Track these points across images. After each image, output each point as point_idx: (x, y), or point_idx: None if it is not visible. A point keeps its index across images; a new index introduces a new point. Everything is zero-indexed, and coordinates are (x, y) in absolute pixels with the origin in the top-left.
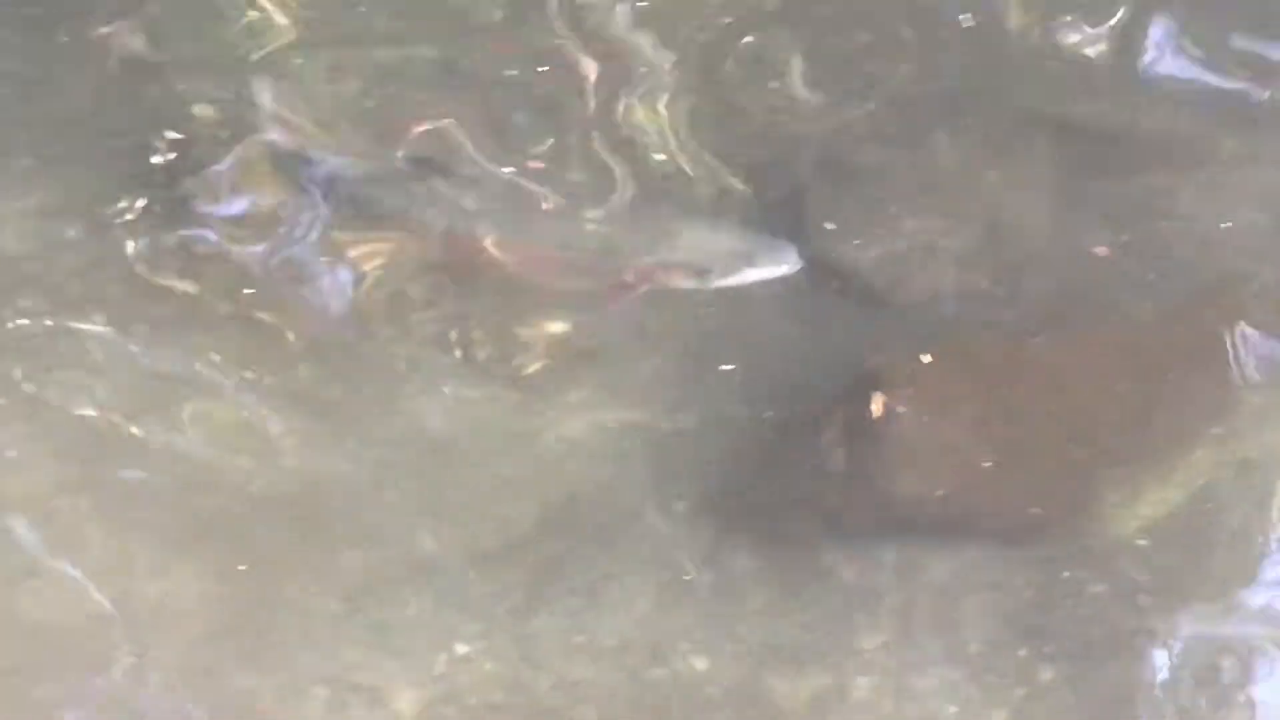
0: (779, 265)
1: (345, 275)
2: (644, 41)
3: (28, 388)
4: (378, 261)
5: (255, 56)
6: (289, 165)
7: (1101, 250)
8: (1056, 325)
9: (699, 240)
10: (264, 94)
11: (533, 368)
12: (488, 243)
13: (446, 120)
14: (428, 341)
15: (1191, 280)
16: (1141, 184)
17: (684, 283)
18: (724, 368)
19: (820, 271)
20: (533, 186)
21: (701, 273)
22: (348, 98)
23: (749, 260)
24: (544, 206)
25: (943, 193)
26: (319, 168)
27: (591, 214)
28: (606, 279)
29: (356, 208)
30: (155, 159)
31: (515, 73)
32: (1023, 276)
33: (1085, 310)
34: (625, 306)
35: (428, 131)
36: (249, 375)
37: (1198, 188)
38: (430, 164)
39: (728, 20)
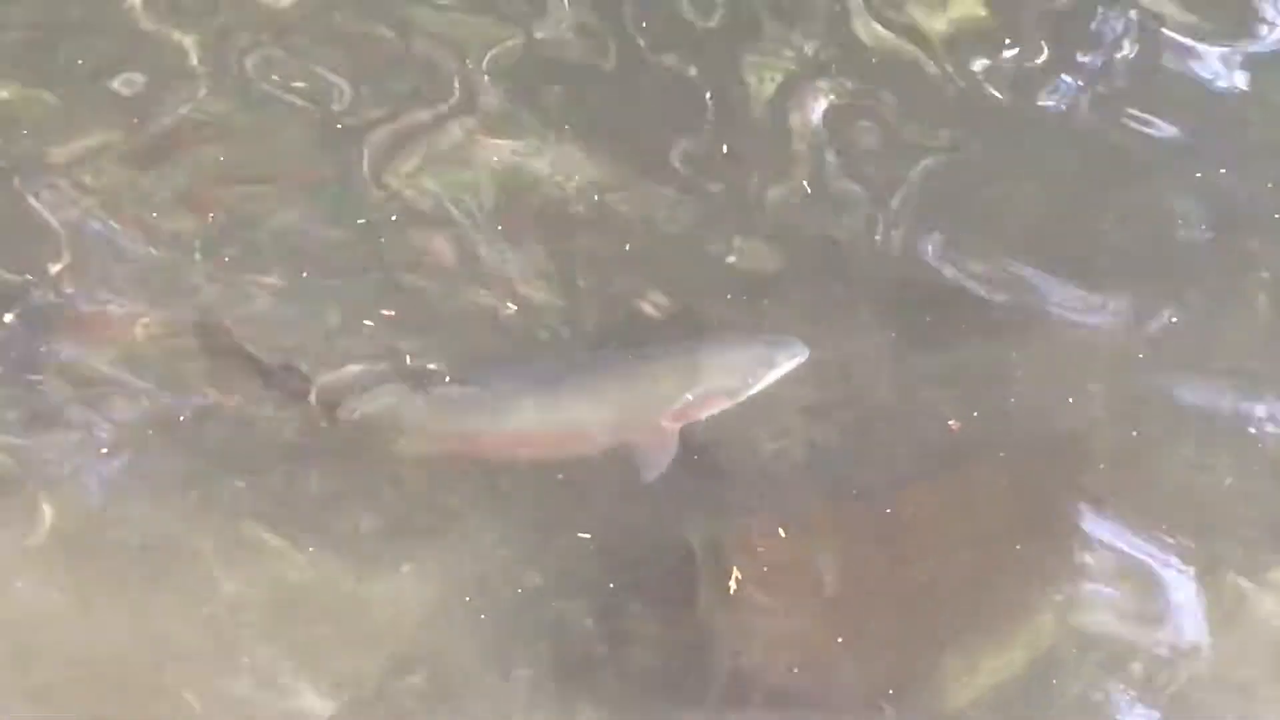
0: (793, 359)
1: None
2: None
3: None
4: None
5: None
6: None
7: (954, 424)
8: (899, 490)
9: (721, 362)
10: None
11: (375, 530)
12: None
13: None
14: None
15: (1035, 449)
16: (983, 350)
17: (718, 406)
18: (581, 535)
19: None
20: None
21: (732, 392)
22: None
23: (769, 364)
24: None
25: None
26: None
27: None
28: (643, 429)
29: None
30: None
31: None
32: (868, 441)
33: (928, 474)
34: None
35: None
36: (82, 536)
37: (1038, 353)
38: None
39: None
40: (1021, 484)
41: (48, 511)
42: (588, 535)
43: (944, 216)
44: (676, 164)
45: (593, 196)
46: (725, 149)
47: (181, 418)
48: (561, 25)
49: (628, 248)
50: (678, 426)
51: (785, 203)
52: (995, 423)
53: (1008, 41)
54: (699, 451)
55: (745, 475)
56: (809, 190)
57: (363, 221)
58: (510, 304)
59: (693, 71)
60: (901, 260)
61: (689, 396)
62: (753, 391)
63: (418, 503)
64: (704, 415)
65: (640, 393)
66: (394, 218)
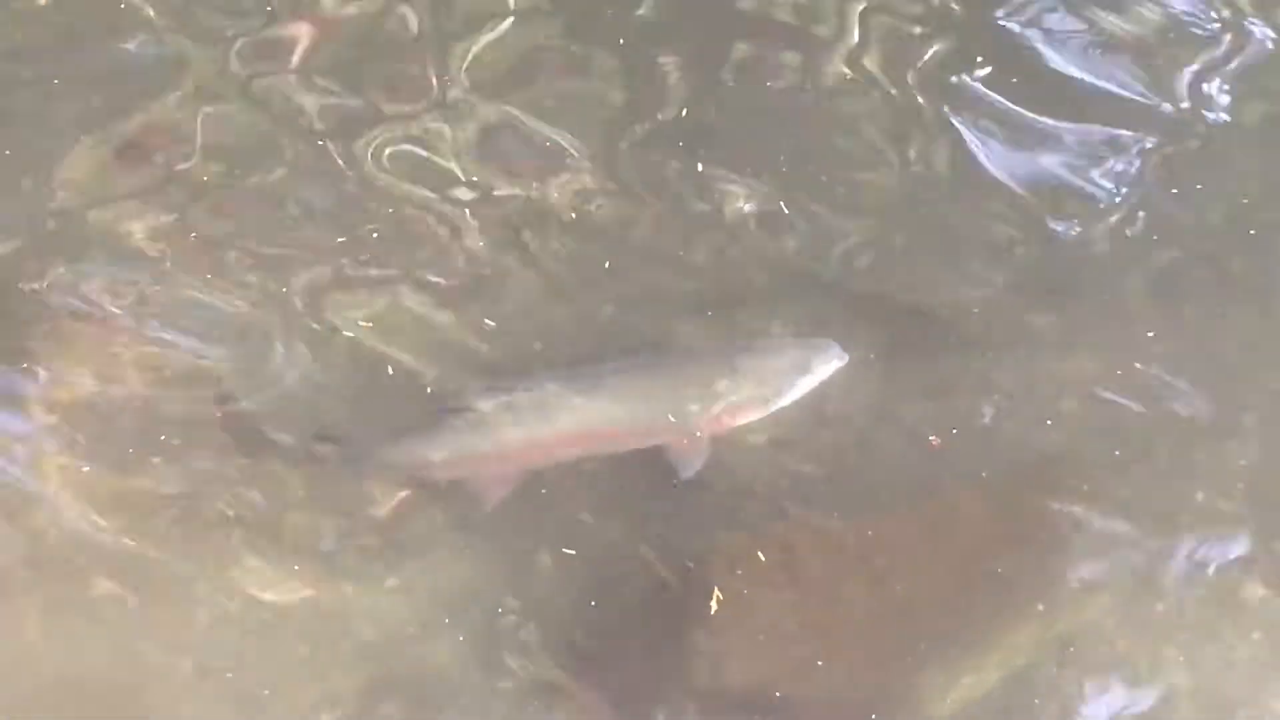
0: (830, 364)
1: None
2: None
3: None
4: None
5: None
6: None
7: (934, 440)
8: (878, 507)
9: (757, 369)
10: None
11: (355, 550)
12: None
13: None
14: (247, 528)
15: (1014, 463)
16: (963, 368)
17: (752, 415)
18: (566, 551)
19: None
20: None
21: (767, 400)
22: None
23: (805, 370)
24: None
25: None
26: None
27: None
28: (681, 430)
29: None
30: None
31: None
32: (848, 459)
33: (907, 493)
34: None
35: None
36: (62, 553)
37: (1017, 369)
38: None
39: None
40: (1001, 501)
41: (28, 528)
42: (573, 551)
43: (924, 234)
44: (658, 180)
45: (571, 214)
46: (700, 168)
47: (163, 437)
48: None
49: (608, 265)
50: (714, 428)
51: (765, 221)
52: (975, 440)
53: (979, 59)
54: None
55: (727, 494)
56: (786, 210)
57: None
58: (488, 320)
59: (672, 87)
60: (881, 278)
61: (728, 399)
62: (792, 396)
63: (398, 523)
64: (741, 417)
65: (680, 394)
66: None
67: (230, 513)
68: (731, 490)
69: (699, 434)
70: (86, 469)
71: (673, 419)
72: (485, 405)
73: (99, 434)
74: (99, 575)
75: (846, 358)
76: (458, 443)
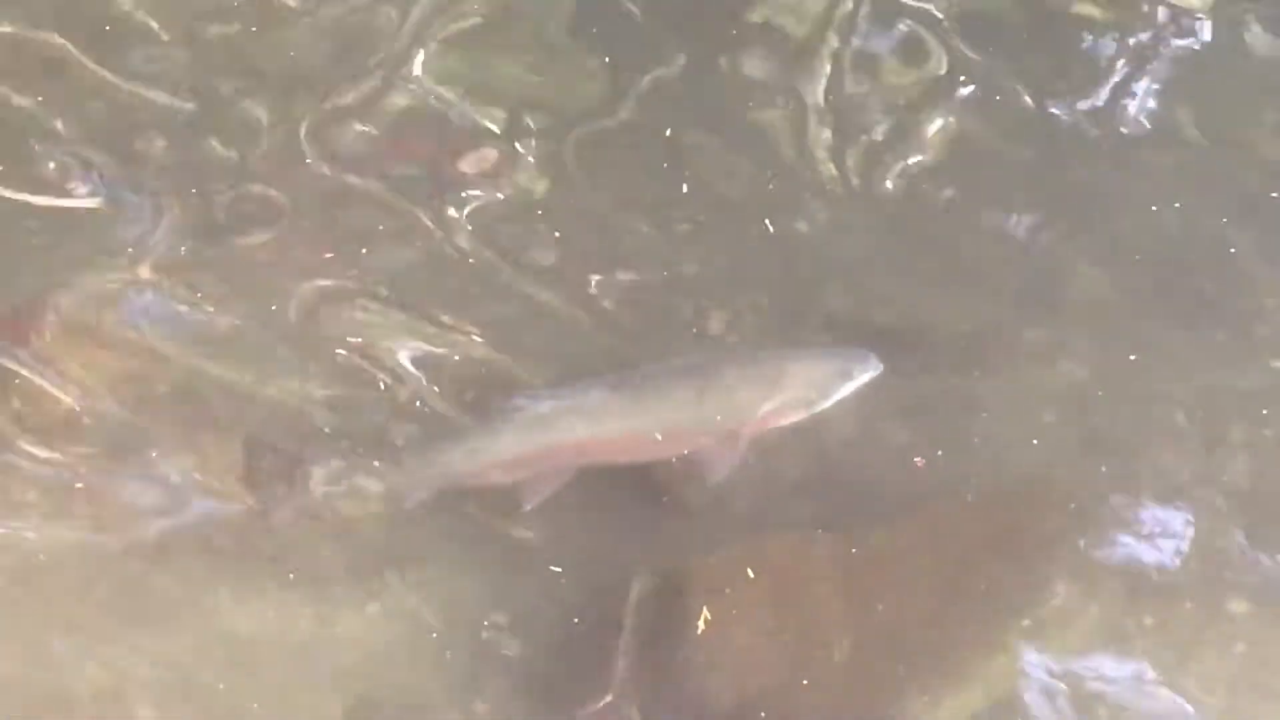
0: (866, 373)
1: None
2: None
3: None
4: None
5: None
6: None
7: (919, 461)
8: (865, 527)
9: (802, 374)
10: None
11: (344, 566)
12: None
13: None
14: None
15: (1000, 487)
16: (949, 388)
17: (793, 417)
18: (553, 569)
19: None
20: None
21: (809, 404)
22: None
23: (845, 377)
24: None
25: None
26: None
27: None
28: (718, 435)
29: None
30: None
31: None
32: (834, 479)
33: (893, 512)
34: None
35: None
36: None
37: (1002, 387)
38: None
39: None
40: (986, 522)
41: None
42: (559, 569)
43: (910, 251)
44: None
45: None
46: (685, 189)
47: (155, 453)
48: None
49: (593, 285)
50: (750, 435)
51: (750, 237)
52: (961, 461)
53: (962, 78)
54: (666, 490)
55: (713, 514)
56: (771, 229)
57: None
58: (476, 337)
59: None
60: (867, 295)
61: (767, 406)
62: (828, 404)
63: (384, 541)
64: (777, 424)
65: (720, 400)
66: None
67: (211, 532)
68: (718, 509)
69: (741, 434)
70: (79, 486)
71: (716, 423)
72: (533, 411)
73: (80, 448)
74: (91, 592)
75: (881, 367)
76: (506, 448)
